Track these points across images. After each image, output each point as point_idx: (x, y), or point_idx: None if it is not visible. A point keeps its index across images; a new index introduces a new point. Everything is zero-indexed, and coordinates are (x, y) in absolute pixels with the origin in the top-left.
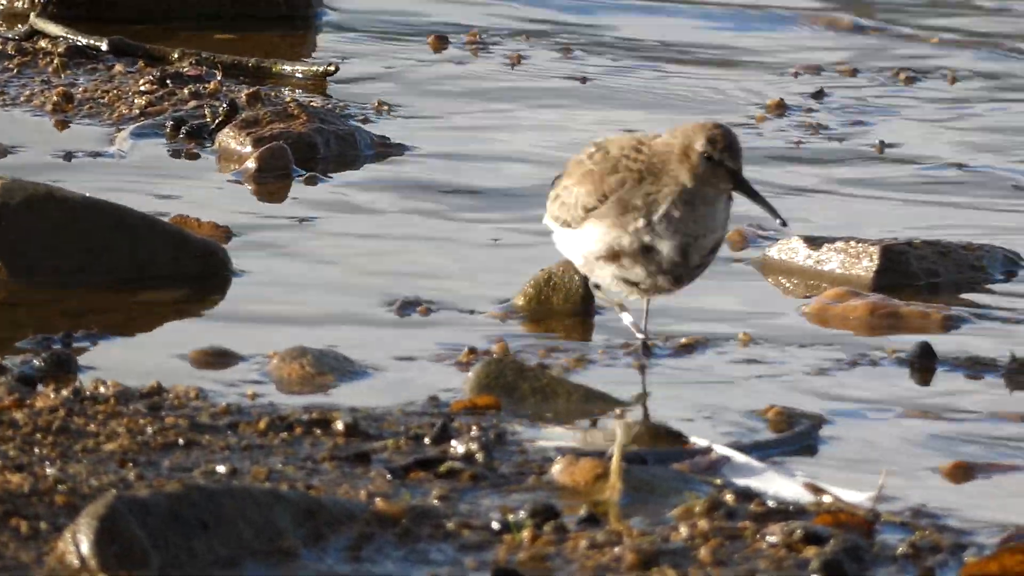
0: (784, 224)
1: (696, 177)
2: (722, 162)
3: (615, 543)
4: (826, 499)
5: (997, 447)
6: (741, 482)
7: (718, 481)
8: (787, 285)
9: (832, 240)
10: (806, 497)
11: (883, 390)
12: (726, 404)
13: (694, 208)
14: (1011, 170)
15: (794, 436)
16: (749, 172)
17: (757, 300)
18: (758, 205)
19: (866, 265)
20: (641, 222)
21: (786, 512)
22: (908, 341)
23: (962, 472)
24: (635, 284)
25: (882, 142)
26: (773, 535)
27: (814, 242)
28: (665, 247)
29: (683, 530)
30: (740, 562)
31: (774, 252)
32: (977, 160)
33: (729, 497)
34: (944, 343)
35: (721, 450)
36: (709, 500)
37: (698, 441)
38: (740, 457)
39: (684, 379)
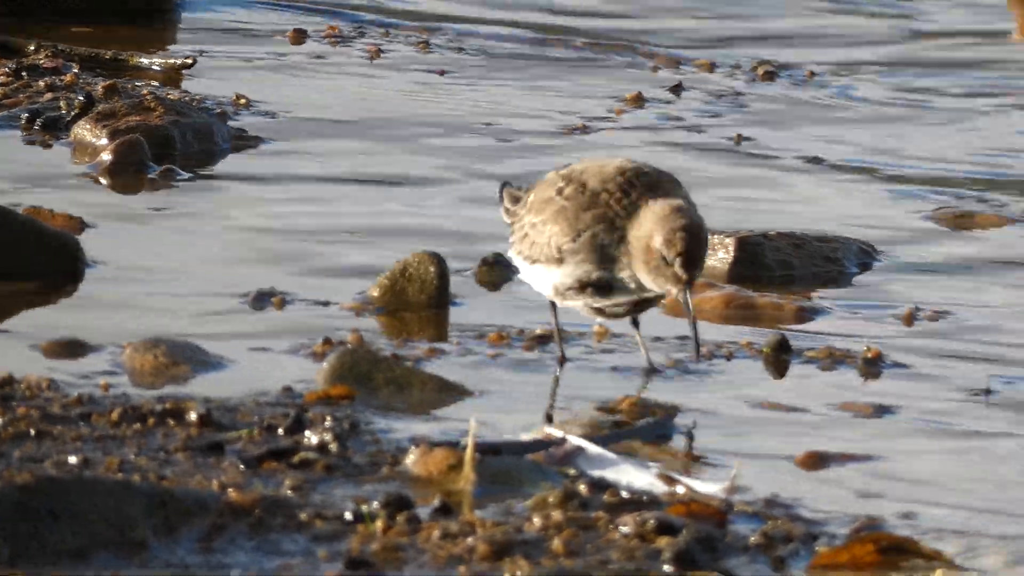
0: (697, 358)
1: (649, 269)
2: (673, 266)
3: (468, 533)
4: (679, 489)
5: (849, 438)
6: (595, 473)
7: (572, 472)
8: None
9: None
10: (660, 487)
11: (738, 381)
12: (580, 395)
13: (645, 287)
14: (871, 163)
15: (649, 426)
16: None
17: None
18: (688, 320)
19: (722, 256)
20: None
21: (639, 502)
22: (763, 333)
23: (815, 462)
24: (601, 311)
25: (740, 135)
26: (626, 525)
27: None
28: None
29: (536, 521)
30: (593, 552)
31: None
32: (834, 152)
33: (583, 488)
34: (799, 335)
35: (575, 441)
36: (563, 491)
37: (552, 432)
38: (594, 448)
39: (538, 369)
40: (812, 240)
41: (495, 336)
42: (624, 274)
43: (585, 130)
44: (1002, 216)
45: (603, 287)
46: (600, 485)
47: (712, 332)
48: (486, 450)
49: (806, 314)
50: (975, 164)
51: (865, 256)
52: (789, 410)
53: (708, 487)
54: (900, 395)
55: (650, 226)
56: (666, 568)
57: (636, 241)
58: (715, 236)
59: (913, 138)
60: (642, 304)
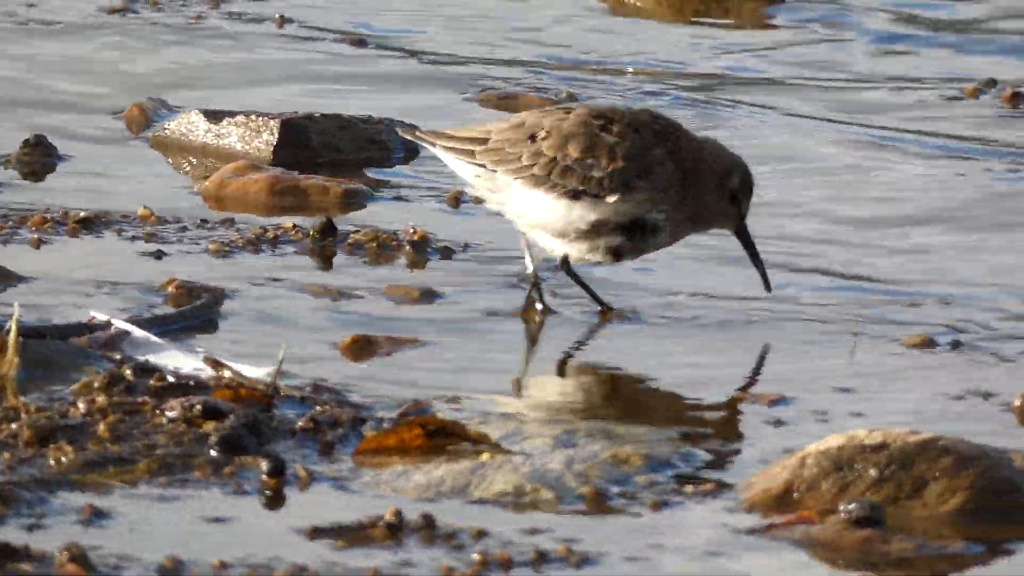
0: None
1: (707, 212)
2: (740, 206)
3: (12, 419)
4: (226, 374)
5: (395, 323)
6: (141, 357)
7: (118, 356)
8: (187, 162)
9: (233, 114)
10: (207, 372)
11: (284, 265)
12: (125, 278)
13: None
14: (413, 47)
15: (194, 310)
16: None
17: (158, 177)
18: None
19: (266, 139)
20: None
21: (186, 387)
22: (309, 217)
23: (361, 348)
24: (619, 254)
25: (282, 16)
26: (173, 410)
27: (214, 116)
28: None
29: (81, 405)
30: (140, 437)
31: (173, 127)
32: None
33: (128, 372)
34: (345, 219)
35: (121, 324)
36: (107, 375)
37: (98, 315)
38: (140, 332)
39: (80, 257)
40: (358, 122)
41: (38, 219)
42: (670, 212)
43: None
44: (543, 97)
45: (651, 228)
46: (146, 369)
47: (257, 217)
48: (30, 334)
49: (352, 196)
50: (510, 47)
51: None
52: (337, 294)
53: (255, 372)
54: (446, 280)
55: (717, 167)
56: (213, 453)
57: (695, 182)
58: (259, 118)
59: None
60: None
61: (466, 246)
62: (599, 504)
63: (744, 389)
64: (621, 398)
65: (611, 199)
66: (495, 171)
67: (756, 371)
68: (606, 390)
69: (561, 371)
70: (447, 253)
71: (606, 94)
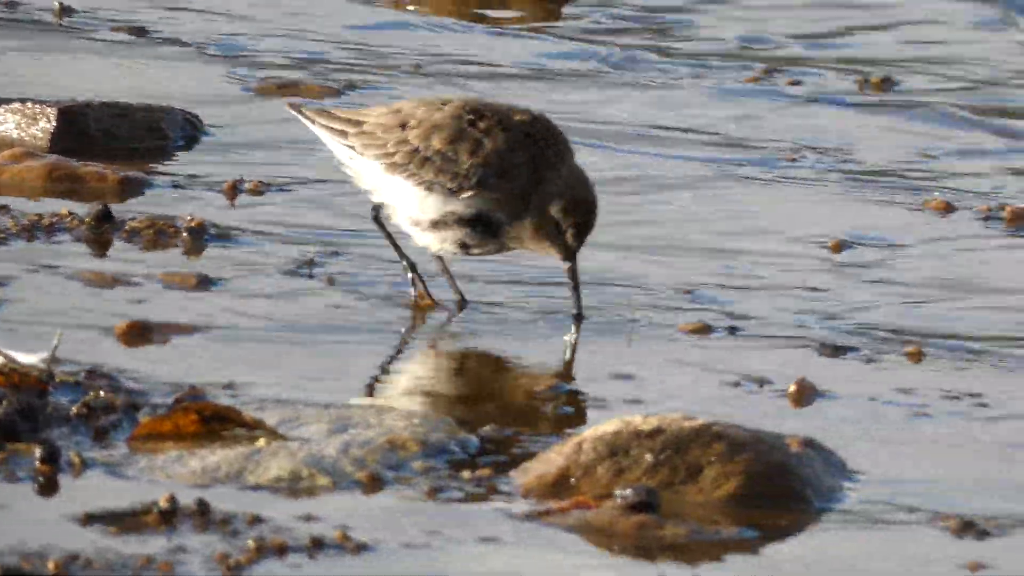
0: (580, 317)
1: (538, 235)
2: (566, 235)
3: None
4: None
5: (171, 309)
6: None
7: None
8: None
9: (9, 101)
10: None
11: (59, 252)
12: None
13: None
14: (200, 41)
15: None
16: None
17: None
18: (572, 291)
19: (43, 126)
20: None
21: None
22: (86, 204)
23: (137, 334)
24: (466, 247)
25: (62, 4)
26: None
27: None
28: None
29: None
30: None
31: None
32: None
33: None
34: (123, 206)
35: None
36: None
37: None
38: None
39: None
40: (137, 110)
41: None
42: (510, 220)
43: None
44: (324, 86)
45: (493, 229)
46: None
47: (33, 204)
48: None
49: (130, 184)
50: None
51: (191, 128)
52: (113, 280)
53: (28, 357)
54: (222, 267)
55: (554, 190)
56: None
57: (534, 198)
58: (35, 105)
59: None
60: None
61: (243, 233)
62: (376, 490)
63: (522, 376)
64: (398, 385)
65: (465, 195)
66: (363, 155)
67: (535, 358)
68: (384, 377)
69: (339, 357)
70: (224, 240)
71: (389, 86)
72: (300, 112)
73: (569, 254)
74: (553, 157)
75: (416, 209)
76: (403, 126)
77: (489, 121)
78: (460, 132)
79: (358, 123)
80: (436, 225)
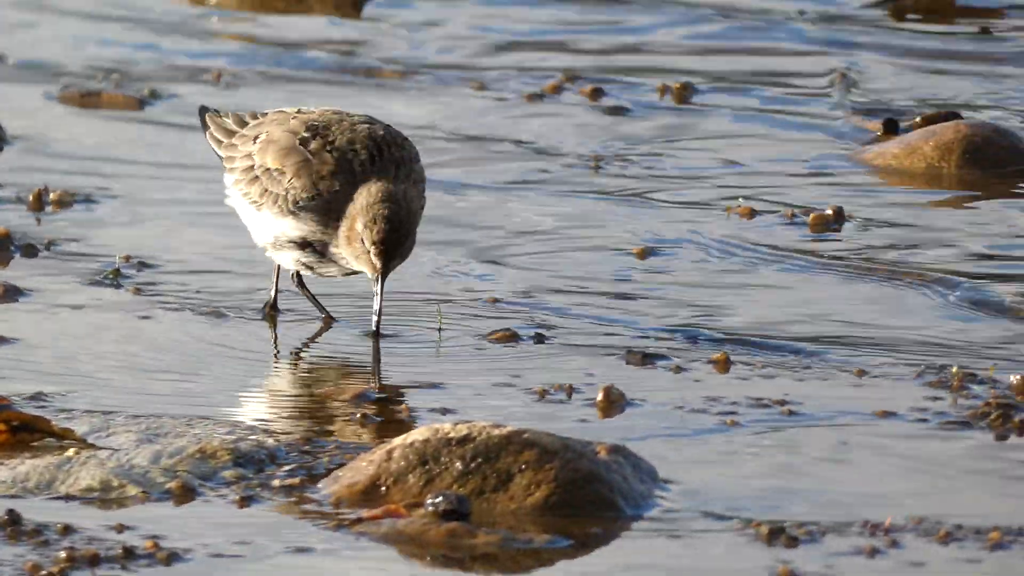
0: (377, 334)
1: (351, 248)
2: (369, 253)
3: None
4: None
5: None
6: None
7: None
8: None
9: None
10: None
11: None
12: None
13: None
14: None
15: None
16: None
17: None
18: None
19: None
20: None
21: None
22: None
23: None
24: (311, 267)
25: None
26: None
27: None
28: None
29: None
30: None
31: None
32: None
33: None
34: None
35: None
36: None
37: None
38: None
39: None
40: None
41: None
42: (333, 249)
43: None
44: (128, 96)
45: (321, 251)
46: None
47: None
48: None
49: None
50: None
51: None
52: None
53: None
54: (28, 277)
55: (360, 204)
56: None
57: (347, 216)
58: None
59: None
60: (354, 273)
61: (50, 244)
62: (187, 499)
63: (332, 385)
64: (208, 394)
65: (284, 217)
66: (224, 167)
67: (345, 368)
68: (193, 387)
69: (147, 366)
70: (30, 251)
71: (190, 92)
72: (207, 116)
73: (376, 271)
74: (372, 173)
75: (252, 229)
76: (256, 139)
77: (321, 141)
78: (290, 151)
79: (231, 133)
80: (275, 245)
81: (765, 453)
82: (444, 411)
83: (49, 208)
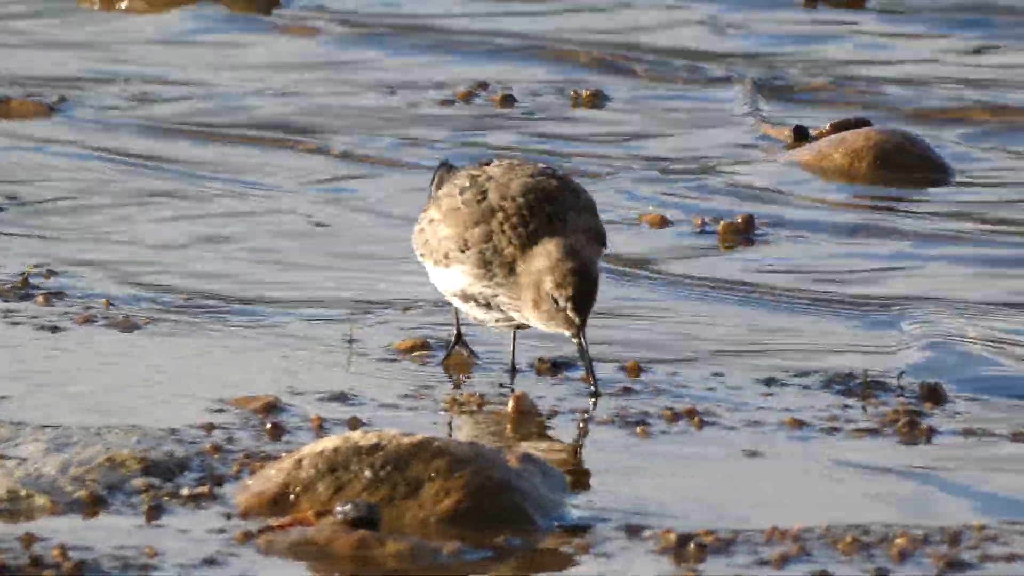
0: (597, 395)
1: (540, 311)
2: (565, 310)
3: None
4: None
5: None
6: None
7: None
8: None
9: None
10: None
11: None
12: None
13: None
14: None
15: None
16: None
17: None
18: (582, 364)
19: None
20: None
21: None
22: None
23: None
24: (483, 321)
25: None
26: None
27: None
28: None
29: None
30: None
31: None
32: None
33: None
34: None
35: None
36: None
37: None
38: None
39: None
40: None
41: None
42: (504, 299)
43: None
44: (39, 103)
45: (483, 304)
46: None
47: None
48: None
49: None
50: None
51: None
52: None
53: None
54: None
55: (541, 266)
56: None
57: (526, 276)
58: None
59: None
60: (524, 326)
61: None
62: (96, 508)
63: (240, 394)
64: (118, 403)
65: (439, 268)
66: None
67: (253, 376)
68: (103, 396)
69: (57, 375)
70: None
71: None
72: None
73: (573, 328)
74: (531, 232)
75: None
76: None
77: (473, 191)
78: (450, 198)
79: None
80: (459, 298)
81: (676, 463)
82: (353, 421)
83: None
